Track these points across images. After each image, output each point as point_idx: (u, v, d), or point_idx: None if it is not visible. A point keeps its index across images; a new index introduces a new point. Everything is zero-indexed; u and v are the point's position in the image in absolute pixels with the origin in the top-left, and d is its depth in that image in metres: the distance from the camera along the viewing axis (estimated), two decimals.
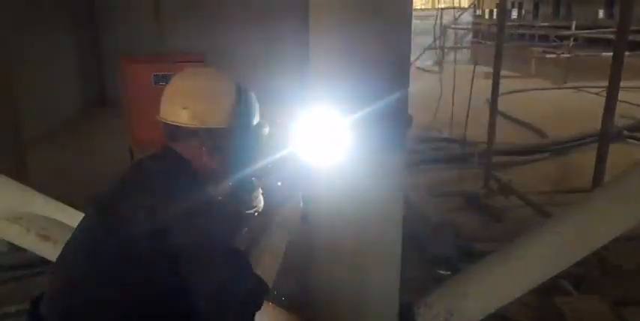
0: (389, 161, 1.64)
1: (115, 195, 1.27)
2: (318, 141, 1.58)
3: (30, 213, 1.70)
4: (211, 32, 7.18)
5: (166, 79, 1.37)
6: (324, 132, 1.57)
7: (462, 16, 8.60)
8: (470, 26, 13.76)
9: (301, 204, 1.54)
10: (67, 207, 1.81)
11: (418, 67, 9.59)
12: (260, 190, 1.52)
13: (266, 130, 1.40)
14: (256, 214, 1.52)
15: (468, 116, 4.16)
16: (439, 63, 9.28)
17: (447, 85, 5.10)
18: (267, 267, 1.31)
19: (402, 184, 1.74)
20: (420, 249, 3.14)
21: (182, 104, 1.26)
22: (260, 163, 1.43)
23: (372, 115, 1.55)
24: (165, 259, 1.13)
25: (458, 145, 5.16)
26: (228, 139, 1.30)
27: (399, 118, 1.63)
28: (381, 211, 1.70)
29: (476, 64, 4.21)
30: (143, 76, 3.62)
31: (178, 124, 1.27)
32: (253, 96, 1.36)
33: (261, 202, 1.53)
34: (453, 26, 9.44)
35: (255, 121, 1.37)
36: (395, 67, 1.60)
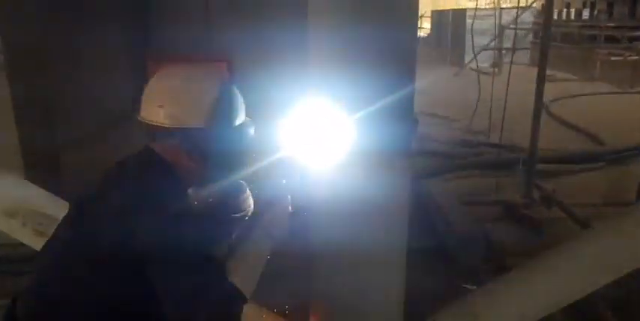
0: (393, 162, 1.55)
1: (91, 194, 1.25)
2: (315, 141, 1.50)
3: (28, 208, 1.74)
4: (259, 32, 7.22)
5: None
6: (322, 131, 1.49)
7: (523, 16, 8.18)
8: (531, 26, 13.13)
9: (290, 208, 1.46)
10: (66, 203, 1.83)
11: (472, 69, 9.26)
12: (249, 193, 1.46)
13: (252, 129, 1.34)
14: (246, 218, 1.46)
15: (503, 120, 3.93)
16: (497, 65, 8.89)
17: (505, 88, 4.84)
18: (245, 275, 1.25)
19: (407, 187, 1.64)
20: (448, 261, 2.99)
21: (158, 103, 1.22)
22: (247, 164, 1.37)
23: (374, 115, 1.47)
24: (134, 260, 1.09)
25: (501, 150, 4.89)
26: (206, 139, 1.24)
27: (403, 117, 1.55)
28: (384, 216, 1.61)
29: (511, 63, 3.96)
30: None
31: (155, 124, 1.23)
32: (238, 94, 1.30)
33: (250, 206, 1.46)
34: (511, 26, 9.02)
35: (239, 120, 1.30)
36: (399, 66, 1.52)
